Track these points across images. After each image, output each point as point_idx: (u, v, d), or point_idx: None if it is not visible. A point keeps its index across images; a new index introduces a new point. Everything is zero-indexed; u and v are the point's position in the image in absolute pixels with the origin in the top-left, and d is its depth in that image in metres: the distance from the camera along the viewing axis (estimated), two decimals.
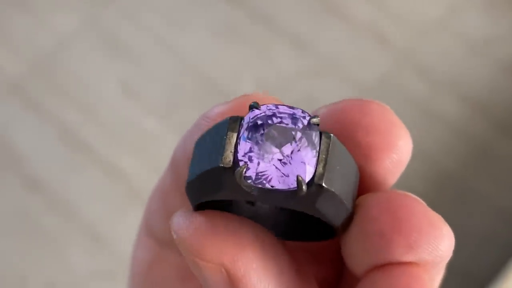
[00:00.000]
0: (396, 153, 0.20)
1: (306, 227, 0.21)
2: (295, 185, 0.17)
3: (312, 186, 0.17)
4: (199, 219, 0.19)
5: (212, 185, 0.18)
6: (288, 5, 1.01)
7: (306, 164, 0.17)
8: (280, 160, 0.17)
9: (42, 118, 0.94)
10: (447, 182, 0.89)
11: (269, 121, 0.17)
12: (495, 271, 0.82)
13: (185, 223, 0.19)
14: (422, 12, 1.01)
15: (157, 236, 0.23)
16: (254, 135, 0.17)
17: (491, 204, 0.88)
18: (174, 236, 0.19)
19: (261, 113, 0.18)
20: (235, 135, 0.18)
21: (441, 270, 0.20)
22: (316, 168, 0.17)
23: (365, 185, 0.20)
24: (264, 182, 0.17)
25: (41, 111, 0.95)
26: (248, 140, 0.17)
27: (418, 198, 0.20)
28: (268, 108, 0.18)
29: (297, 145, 0.17)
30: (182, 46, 0.99)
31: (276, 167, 0.17)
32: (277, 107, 0.18)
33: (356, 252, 0.19)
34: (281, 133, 0.17)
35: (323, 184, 0.17)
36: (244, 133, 0.17)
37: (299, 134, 0.17)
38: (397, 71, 0.96)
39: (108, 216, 0.89)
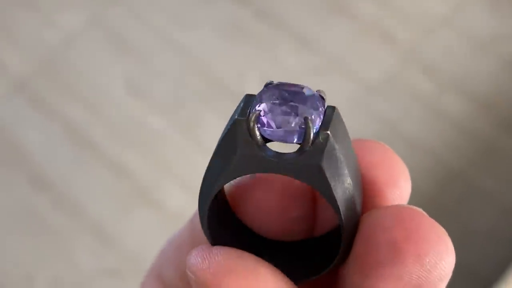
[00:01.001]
0: (399, 189, 0.21)
1: (309, 260, 0.22)
2: (304, 129, 0.19)
3: (319, 136, 0.19)
4: (218, 258, 0.19)
5: (228, 151, 0.19)
6: (294, 4, 1.01)
7: (313, 117, 0.19)
8: (290, 113, 0.19)
9: (49, 116, 0.95)
10: (452, 180, 0.89)
11: (282, 87, 0.19)
12: (501, 269, 0.82)
13: (204, 262, 0.19)
14: (428, 10, 1.01)
15: (166, 283, 0.24)
16: (267, 98, 0.19)
17: (496, 202, 0.88)
18: (191, 276, 0.19)
19: (273, 84, 0.19)
20: (249, 103, 0.19)
21: None
22: (322, 123, 0.19)
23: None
24: (275, 130, 0.19)
25: (47, 109, 0.95)
26: (261, 102, 0.19)
27: (425, 212, 0.20)
28: (279, 82, 0.20)
29: (306, 104, 0.19)
30: (188, 44, 0.99)
31: (287, 120, 0.19)
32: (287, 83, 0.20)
33: (364, 266, 0.19)
34: (292, 94, 0.19)
35: (329, 132, 0.19)
36: (258, 98, 0.19)
37: (308, 96, 0.19)
38: (403, 69, 0.96)
39: (114, 214, 0.89)
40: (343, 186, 0.19)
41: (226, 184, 0.21)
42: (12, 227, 0.89)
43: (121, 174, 0.91)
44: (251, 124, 0.19)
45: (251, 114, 0.19)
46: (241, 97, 0.20)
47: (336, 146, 0.19)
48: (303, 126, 0.19)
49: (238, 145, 0.19)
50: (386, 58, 0.97)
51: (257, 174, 0.21)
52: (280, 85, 0.19)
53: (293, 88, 0.19)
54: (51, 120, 0.94)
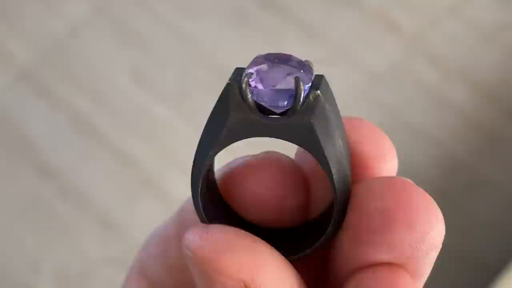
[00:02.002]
0: (386, 164, 0.21)
1: (303, 240, 0.22)
2: (294, 88, 0.19)
3: (309, 96, 0.19)
4: (216, 235, 0.19)
5: (221, 116, 0.19)
6: None
7: (304, 78, 0.19)
8: (280, 74, 0.20)
9: (54, 106, 0.95)
10: (457, 169, 0.89)
11: (271, 55, 0.20)
12: (507, 259, 0.82)
13: (202, 240, 0.19)
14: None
15: (151, 279, 0.24)
16: (258, 63, 0.20)
17: (502, 192, 0.88)
18: (189, 254, 0.19)
19: (263, 54, 0.20)
20: (240, 72, 0.20)
21: (431, 263, 0.21)
22: (312, 85, 0.20)
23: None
24: (267, 92, 0.19)
25: (52, 99, 0.95)
26: (252, 67, 0.20)
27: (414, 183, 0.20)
28: (268, 52, 0.21)
29: (296, 67, 0.20)
30: (194, 33, 0.99)
31: (278, 80, 0.20)
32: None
33: (357, 234, 0.19)
34: (282, 59, 0.20)
35: (319, 93, 0.19)
36: (248, 66, 0.20)
37: (298, 61, 0.20)
38: (408, 59, 0.96)
39: (119, 202, 0.89)
40: (334, 148, 0.19)
41: (217, 173, 0.21)
42: (18, 216, 0.89)
43: (126, 163, 0.91)
44: (243, 85, 0.19)
45: (242, 77, 0.19)
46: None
47: (327, 107, 0.19)
48: (293, 87, 0.19)
49: (231, 108, 0.19)
50: (391, 47, 0.97)
51: (249, 162, 0.21)
52: (270, 54, 0.20)
53: (282, 56, 0.20)
54: (57, 109, 0.95)
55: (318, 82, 0.20)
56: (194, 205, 0.21)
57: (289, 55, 0.21)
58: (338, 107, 0.21)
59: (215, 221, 0.21)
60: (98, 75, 0.97)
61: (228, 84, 0.20)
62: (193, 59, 0.97)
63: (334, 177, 0.19)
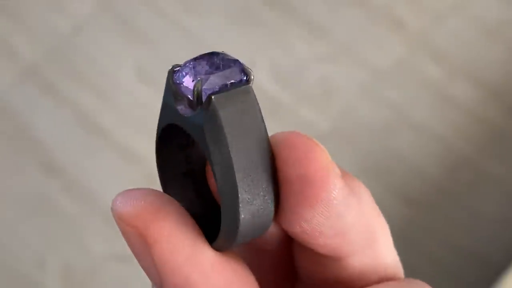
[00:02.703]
0: (313, 188, 0.20)
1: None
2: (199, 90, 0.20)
3: (206, 100, 0.19)
4: (132, 193, 0.21)
5: (164, 94, 0.21)
6: None
7: (210, 81, 0.20)
8: (195, 73, 0.20)
9: (59, 103, 0.95)
10: (461, 166, 0.89)
11: (215, 55, 0.21)
12: (511, 255, 0.82)
13: (120, 197, 0.21)
14: None
15: None
16: (194, 59, 0.21)
17: (506, 188, 0.88)
18: (113, 216, 0.21)
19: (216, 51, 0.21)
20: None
21: (343, 215, 0.21)
22: (220, 89, 0.20)
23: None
24: (182, 86, 0.20)
25: (58, 96, 0.95)
26: (191, 61, 0.21)
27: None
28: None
29: (214, 69, 0.20)
30: (198, 30, 0.99)
31: (190, 78, 0.20)
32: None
33: (296, 201, 0.20)
34: (210, 59, 0.21)
35: (212, 98, 0.19)
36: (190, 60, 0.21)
37: (223, 64, 0.20)
38: (413, 56, 0.96)
39: None
40: (221, 155, 0.19)
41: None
42: (24, 213, 0.90)
43: (131, 160, 0.91)
44: (169, 74, 0.20)
45: (172, 67, 0.20)
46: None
47: (222, 114, 0.19)
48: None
49: (165, 92, 0.21)
50: (396, 45, 0.97)
51: None
52: (214, 52, 0.21)
53: (222, 55, 0.21)
54: (62, 106, 0.95)
55: (236, 88, 0.20)
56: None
57: (231, 59, 0.21)
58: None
59: (174, 188, 0.23)
60: (103, 72, 0.97)
61: (168, 71, 0.21)
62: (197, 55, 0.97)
63: (217, 180, 0.20)
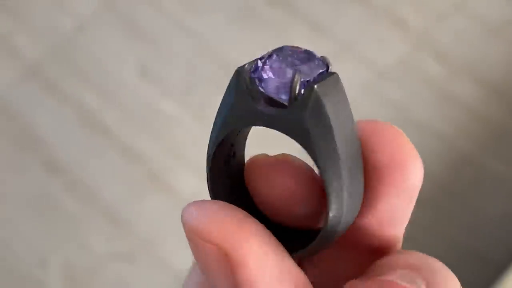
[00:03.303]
0: (405, 177, 0.20)
1: (305, 237, 0.21)
2: (291, 80, 0.19)
3: (306, 91, 0.18)
4: (207, 206, 0.19)
5: (228, 98, 0.19)
6: None
7: (306, 72, 0.19)
8: (284, 67, 0.19)
9: (62, 101, 0.95)
10: (464, 165, 0.89)
11: (286, 48, 0.20)
12: None
13: (194, 209, 0.19)
14: None
15: None
16: (269, 54, 0.19)
17: (508, 187, 0.88)
18: (183, 225, 0.19)
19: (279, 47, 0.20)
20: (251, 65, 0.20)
21: (413, 202, 0.21)
22: (313, 80, 0.19)
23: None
24: (268, 83, 0.19)
25: (60, 94, 0.95)
26: (263, 58, 0.19)
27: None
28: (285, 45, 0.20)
29: (303, 61, 0.19)
30: (200, 28, 0.99)
31: (280, 72, 0.19)
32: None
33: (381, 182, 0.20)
34: (293, 52, 0.19)
35: (315, 87, 0.18)
36: (261, 57, 0.19)
37: (308, 56, 0.20)
38: (415, 55, 0.96)
39: (126, 198, 0.89)
40: (329, 148, 0.19)
41: (248, 158, 0.21)
42: (26, 211, 0.90)
43: (133, 159, 0.91)
44: (247, 73, 0.19)
45: (248, 65, 0.19)
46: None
47: (324, 103, 0.18)
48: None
49: (236, 94, 0.19)
50: (398, 43, 0.97)
51: (281, 157, 0.21)
52: (285, 47, 0.20)
53: (295, 49, 0.20)
54: (64, 105, 0.95)
55: (326, 77, 0.19)
56: (207, 180, 0.21)
57: (304, 50, 0.20)
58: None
59: (223, 198, 0.21)
60: (105, 71, 0.97)
61: (237, 70, 0.19)
62: (200, 54, 0.97)
63: (325, 176, 0.19)
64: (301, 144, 0.19)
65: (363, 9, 1.00)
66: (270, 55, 0.19)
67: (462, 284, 0.20)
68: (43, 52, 0.99)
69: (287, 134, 0.19)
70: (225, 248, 0.18)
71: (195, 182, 0.89)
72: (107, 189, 0.90)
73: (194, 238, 0.19)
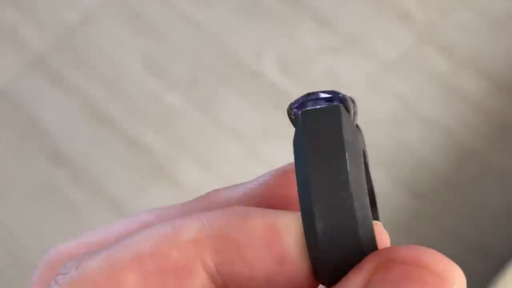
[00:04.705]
0: None
1: None
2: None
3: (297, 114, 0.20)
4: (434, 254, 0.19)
5: (334, 138, 0.20)
6: None
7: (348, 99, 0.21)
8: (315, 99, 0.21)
9: (67, 93, 0.95)
10: (468, 159, 0.89)
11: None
12: None
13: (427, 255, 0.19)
14: None
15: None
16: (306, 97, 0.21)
17: (511, 180, 0.88)
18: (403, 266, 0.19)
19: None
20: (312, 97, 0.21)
21: None
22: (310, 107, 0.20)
23: None
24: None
25: (65, 86, 0.96)
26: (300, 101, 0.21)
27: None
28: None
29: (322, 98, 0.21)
30: (206, 21, 0.99)
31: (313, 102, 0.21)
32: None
33: None
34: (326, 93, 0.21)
35: (299, 111, 0.20)
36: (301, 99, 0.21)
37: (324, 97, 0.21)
38: (420, 48, 0.96)
39: (131, 189, 0.90)
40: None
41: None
42: (31, 202, 0.90)
43: (138, 150, 0.91)
44: (350, 104, 0.20)
45: (342, 98, 0.20)
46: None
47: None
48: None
49: (345, 127, 0.19)
50: (403, 37, 0.97)
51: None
52: (328, 91, 0.21)
53: (324, 93, 0.21)
54: (69, 96, 0.95)
55: (324, 107, 0.20)
56: None
57: (332, 91, 0.21)
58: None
59: None
60: (111, 63, 0.97)
61: (334, 106, 0.20)
62: (205, 47, 0.97)
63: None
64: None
65: (368, 2, 1.00)
66: (310, 95, 0.21)
67: (465, 277, 0.20)
68: (48, 44, 0.99)
69: None
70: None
71: (199, 174, 0.89)
72: (111, 181, 0.90)
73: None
